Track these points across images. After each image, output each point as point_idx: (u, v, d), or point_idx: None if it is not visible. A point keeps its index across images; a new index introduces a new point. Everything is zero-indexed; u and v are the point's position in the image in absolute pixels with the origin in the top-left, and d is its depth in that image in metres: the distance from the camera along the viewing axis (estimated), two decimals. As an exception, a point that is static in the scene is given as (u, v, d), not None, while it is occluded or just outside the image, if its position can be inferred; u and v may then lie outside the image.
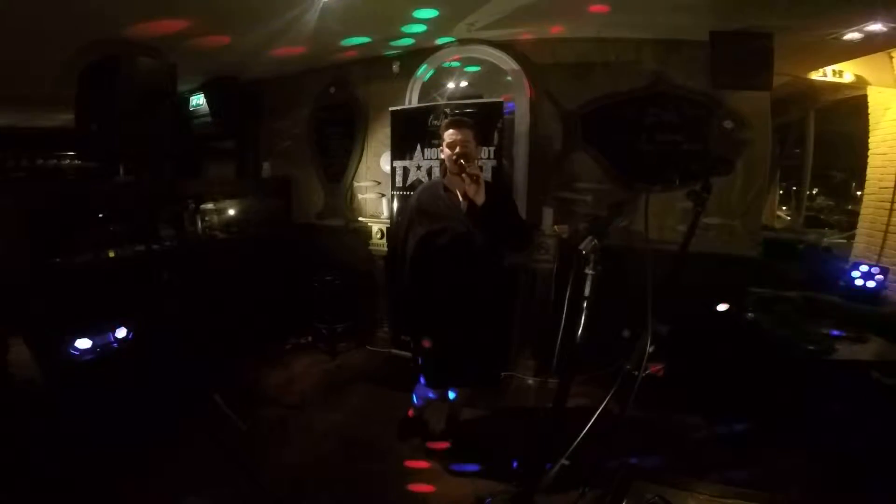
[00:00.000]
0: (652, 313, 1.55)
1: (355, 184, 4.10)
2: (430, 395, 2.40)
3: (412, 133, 3.28)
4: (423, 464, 2.34)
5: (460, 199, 2.07)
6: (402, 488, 2.17)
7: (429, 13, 2.86)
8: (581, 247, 1.47)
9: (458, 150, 2.05)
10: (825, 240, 4.67)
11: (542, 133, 3.42)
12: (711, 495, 1.50)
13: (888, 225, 3.45)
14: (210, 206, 3.74)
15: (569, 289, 1.56)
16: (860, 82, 3.66)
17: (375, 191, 3.97)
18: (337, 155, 4.16)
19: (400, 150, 3.35)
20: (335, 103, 4.10)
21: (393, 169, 3.39)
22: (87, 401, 2.34)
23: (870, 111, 3.74)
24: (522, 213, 3.21)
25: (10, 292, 2.32)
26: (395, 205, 3.40)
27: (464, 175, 1.98)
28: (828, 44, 2.89)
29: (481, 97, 3.52)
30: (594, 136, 3.37)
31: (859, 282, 3.14)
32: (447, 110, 3.16)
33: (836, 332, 2.64)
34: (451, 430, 2.53)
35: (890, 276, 3.15)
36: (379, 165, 3.85)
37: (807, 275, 3.42)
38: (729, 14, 2.67)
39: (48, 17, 2.43)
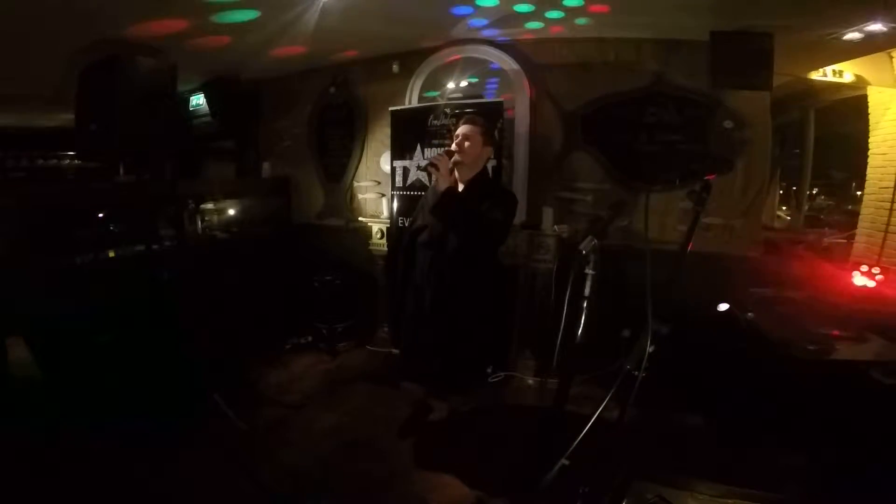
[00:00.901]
0: (652, 313, 1.55)
1: (355, 183, 4.10)
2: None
3: (412, 133, 3.28)
4: (423, 464, 2.34)
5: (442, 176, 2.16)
6: (403, 488, 2.17)
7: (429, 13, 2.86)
8: (581, 247, 1.47)
9: (455, 142, 2.21)
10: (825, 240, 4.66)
11: (542, 133, 3.42)
12: (711, 495, 1.50)
13: (888, 225, 3.44)
14: (210, 205, 3.73)
15: (569, 289, 1.56)
16: (860, 82, 3.65)
17: (375, 191, 3.97)
18: (337, 155, 4.16)
19: (400, 149, 3.35)
20: (335, 103, 4.10)
21: (393, 169, 3.39)
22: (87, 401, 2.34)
23: (870, 111, 3.74)
24: (522, 213, 3.22)
25: (10, 292, 2.32)
26: (395, 205, 3.40)
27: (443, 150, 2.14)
28: (828, 44, 2.88)
29: (481, 97, 3.52)
30: (594, 136, 3.37)
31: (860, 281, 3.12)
32: (447, 110, 3.17)
33: (836, 332, 2.63)
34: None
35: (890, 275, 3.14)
36: (379, 165, 3.85)
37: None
38: (729, 14, 2.67)
39: (48, 16, 2.43)
